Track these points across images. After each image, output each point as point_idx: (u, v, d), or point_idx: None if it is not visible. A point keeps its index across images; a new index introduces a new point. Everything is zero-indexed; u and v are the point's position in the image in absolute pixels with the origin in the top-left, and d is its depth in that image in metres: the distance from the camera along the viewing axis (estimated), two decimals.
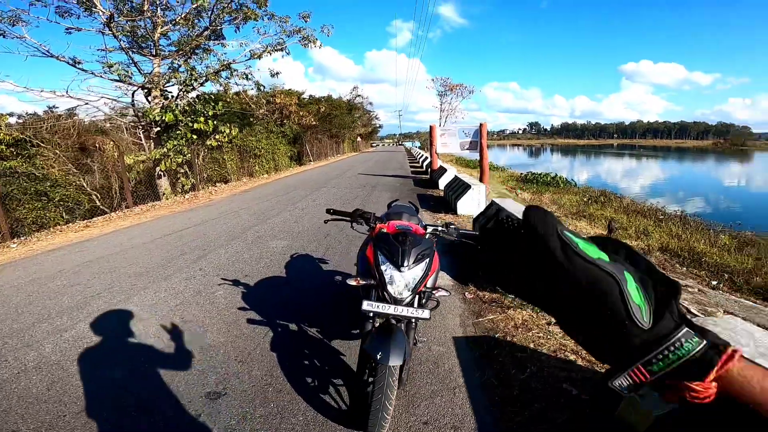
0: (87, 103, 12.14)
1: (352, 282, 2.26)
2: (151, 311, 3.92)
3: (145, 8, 12.45)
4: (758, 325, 2.55)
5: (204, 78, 13.61)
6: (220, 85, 14.42)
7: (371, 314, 2.17)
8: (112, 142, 11.63)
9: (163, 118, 12.38)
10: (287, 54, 15.16)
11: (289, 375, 2.80)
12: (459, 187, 9.07)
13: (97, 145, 11.67)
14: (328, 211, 2.62)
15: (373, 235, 2.42)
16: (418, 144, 71.56)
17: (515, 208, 5.57)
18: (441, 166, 13.99)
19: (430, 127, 13.01)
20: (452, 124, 14.30)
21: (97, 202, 11.15)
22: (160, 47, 13.25)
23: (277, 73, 16.09)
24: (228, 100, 15.91)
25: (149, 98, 13.06)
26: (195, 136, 13.47)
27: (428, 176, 15.59)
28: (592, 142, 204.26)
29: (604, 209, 10.43)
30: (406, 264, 2.13)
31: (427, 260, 2.21)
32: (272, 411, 2.44)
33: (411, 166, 22.62)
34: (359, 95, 50.54)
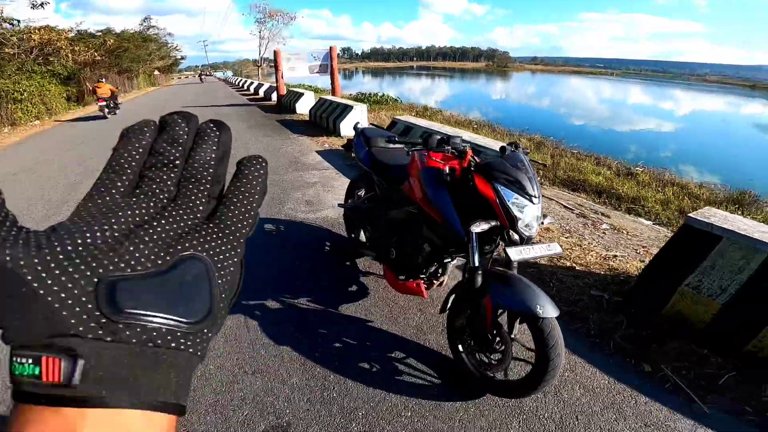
0: None
1: (478, 228, 1.74)
2: None
3: None
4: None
5: None
6: None
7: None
8: None
9: None
10: None
11: (334, 367, 2.13)
12: (335, 109, 8.77)
13: None
14: (390, 140, 2.21)
15: (464, 164, 1.95)
16: (230, 73, 69.17)
17: (421, 122, 5.50)
18: (291, 91, 13.14)
19: (275, 52, 12.33)
20: (299, 50, 13.96)
21: None
22: None
23: (42, 4, 11.48)
24: None
25: None
26: None
27: (275, 102, 14.26)
28: (398, 64, 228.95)
29: (432, 120, 11.55)
30: (537, 193, 1.74)
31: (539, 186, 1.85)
32: (369, 423, 1.81)
33: (242, 94, 20.12)
34: (153, 26, 44.29)
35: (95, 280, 0.20)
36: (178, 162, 0.25)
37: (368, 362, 2.15)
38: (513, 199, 1.70)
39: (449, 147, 1.96)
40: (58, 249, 0.20)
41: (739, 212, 5.01)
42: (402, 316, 2.52)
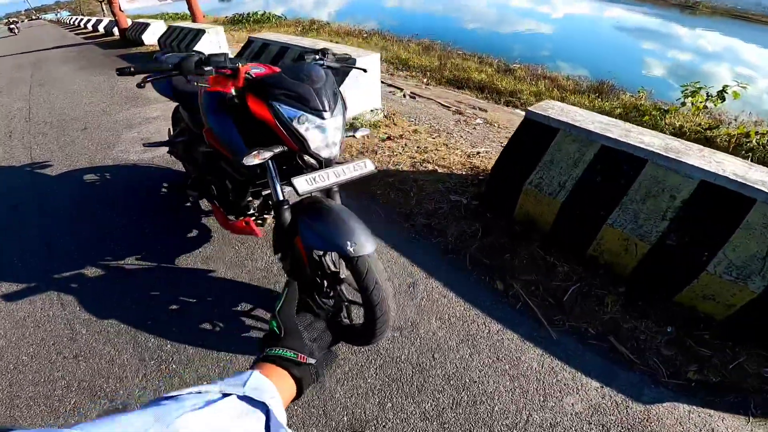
0: None
1: (252, 160, 1.38)
2: None
3: None
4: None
5: None
6: None
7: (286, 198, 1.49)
8: None
9: None
10: None
11: (171, 333, 1.84)
12: (186, 35, 7.53)
13: None
14: (123, 71, 1.44)
15: (239, 84, 1.53)
16: (66, 13, 61.42)
17: (281, 38, 4.88)
18: (136, 22, 11.11)
19: None
20: None
21: None
22: None
23: None
24: None
25: None
26: None
27: (119, 37, 11.89)
28: None
29: (320, 35, 11.05)
30: (328, 106, 1.43)
31: (340, 95, 1.56)
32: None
33: (77, 34, 16.54)
34: None
35: (307, 341, 0.63)
36: (310, 323, 0.69)
37: (211, 322, 1.87)
38: (297, 118, 1.39)
39: (211, 68, 1.47)
40: (300, 328, 0.65)
41: (599, 100, 5.45)
42: (249, 258, 2.24)
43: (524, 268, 2.09)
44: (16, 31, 18.47)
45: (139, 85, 1.53)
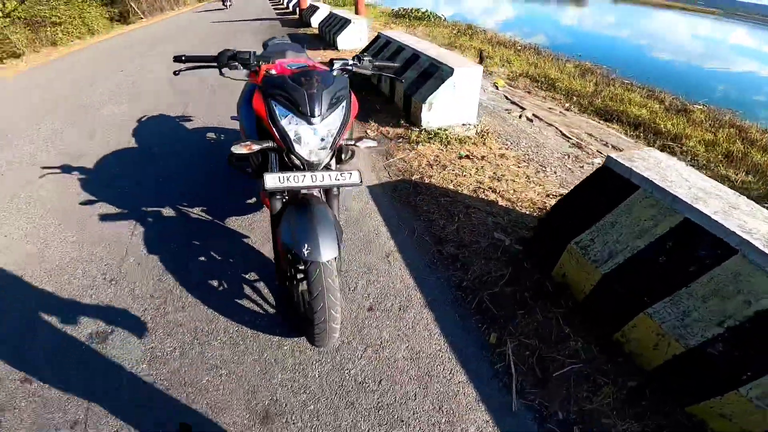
0: None
1: (240, 150, 1.51)
2: None
3: None
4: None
5: None
6: None
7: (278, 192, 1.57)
8: None
9: None
10: None
11: (186, 281, 2.11)
12: (337, 23, 8.31)
13: None
14: (177, 58, 1.71)
15: (257, 80, 1.69)
16: None
17: (403, 38, 4.89)
18: (311, 5, 12.45)
19: None
20: None
21: None
22: None
23: None
24: None
25: None
26: None
27: (297, 16, 13.58)
28: None
29: (472, 41, 10.71)
30: (318, 112, 1.48)
31: (345, 103, 1.60)
32: (184, 340, 1.80)
33: (275, 9, 19.32)
34: None
35: None
36: None
37: (219, 280, 2.10)
38: (285, 119, 1.47)
39: (236, 63, 1.64)
40: None
41: None
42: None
43: (531, 330, 1.82)
44: (228, 4, 20.99)
45: (174, 73, 1.76)
